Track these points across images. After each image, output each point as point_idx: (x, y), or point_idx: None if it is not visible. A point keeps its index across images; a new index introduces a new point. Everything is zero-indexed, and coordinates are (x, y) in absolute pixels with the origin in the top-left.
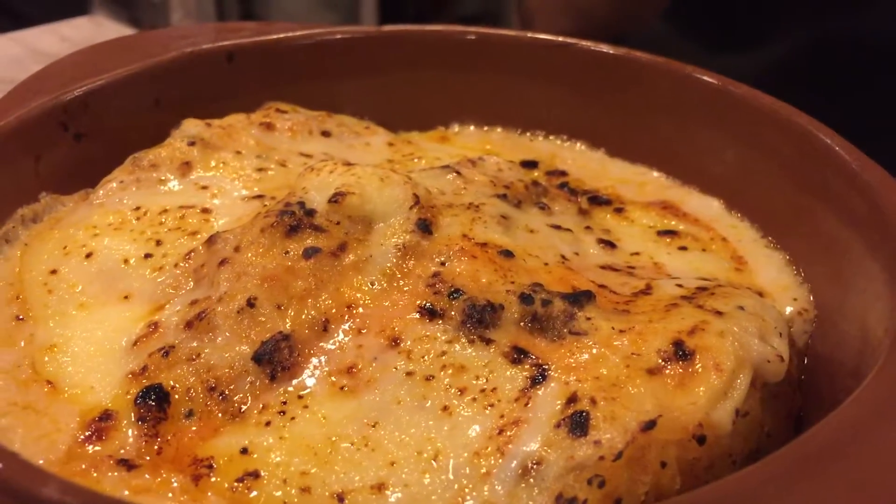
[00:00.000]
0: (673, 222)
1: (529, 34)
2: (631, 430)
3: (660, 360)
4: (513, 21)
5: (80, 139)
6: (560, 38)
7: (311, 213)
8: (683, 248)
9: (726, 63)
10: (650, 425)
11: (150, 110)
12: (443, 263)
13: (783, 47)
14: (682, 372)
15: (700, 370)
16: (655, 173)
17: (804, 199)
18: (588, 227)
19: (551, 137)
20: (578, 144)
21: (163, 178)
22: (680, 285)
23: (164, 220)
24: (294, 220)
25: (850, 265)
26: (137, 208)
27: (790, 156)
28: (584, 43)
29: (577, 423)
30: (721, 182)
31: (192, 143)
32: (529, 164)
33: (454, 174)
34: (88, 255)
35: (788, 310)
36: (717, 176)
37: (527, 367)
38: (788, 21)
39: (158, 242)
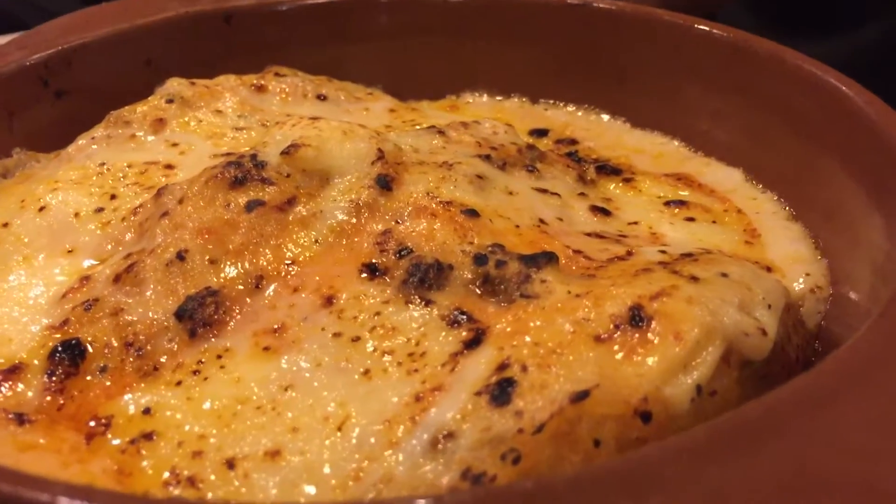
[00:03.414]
0: (684, 192)
1: None
2: (559, 400)
3: (611, 326)
4: None
5: (62, 96)
6: None
7: (261, 165)
8: (691, 220)
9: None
10: (582, 396)
11: (140, 70)
12: (398, 221)
13: (866, 37)
14: (634, 339)
15: (655, 338)
16: (675, 143)
17: (827, 166)
18: (582, 194)
19: (568, 107)
20: (595, 114)
21: (135, 134)
22: (664, 251)
23: (124, 175)
24: (241, 171)
25: (868, 240)
26: (102, 164)
27: (814, 118)
28: (601, 3)
29: (501, 392)
30: (743, 150)
31: (170, 101)
32: (539, 133)
33: (438, 134)
34: (41, 209)
35: (799, 286)
36: (739, 144)
37: (464, 330)
38: (871, 9)
39: (113, 196)
